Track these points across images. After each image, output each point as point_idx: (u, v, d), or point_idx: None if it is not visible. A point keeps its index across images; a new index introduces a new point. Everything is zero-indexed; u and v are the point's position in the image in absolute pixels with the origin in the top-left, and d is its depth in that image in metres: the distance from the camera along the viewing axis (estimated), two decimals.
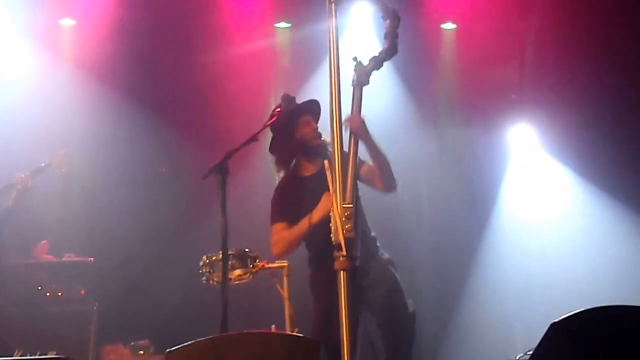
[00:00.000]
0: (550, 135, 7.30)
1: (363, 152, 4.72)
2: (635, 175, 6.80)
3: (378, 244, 4.89)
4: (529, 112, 7.40)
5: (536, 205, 7.23)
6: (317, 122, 4.96)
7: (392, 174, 4.84)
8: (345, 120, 4.53)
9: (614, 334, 3.01)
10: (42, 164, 5.97)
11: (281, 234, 4.79)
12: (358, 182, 4.73)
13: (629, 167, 6.81)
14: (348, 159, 4.52)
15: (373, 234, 4.89)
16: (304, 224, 4.70)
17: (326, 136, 4.79)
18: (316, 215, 4.62)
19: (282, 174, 5.02)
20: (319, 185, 4.61)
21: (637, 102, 6.87)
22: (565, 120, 7.10)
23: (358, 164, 4.70)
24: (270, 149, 4.99)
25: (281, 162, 5.00)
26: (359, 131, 4.55)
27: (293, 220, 4.77)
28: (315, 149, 4.86)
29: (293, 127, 4.88)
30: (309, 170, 4.95)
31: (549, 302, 6.39)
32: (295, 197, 4.85)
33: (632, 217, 6.79)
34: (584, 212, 7.05)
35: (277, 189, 4.99)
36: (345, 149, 4.51)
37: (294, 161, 5.01)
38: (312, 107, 4.97)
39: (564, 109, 7.10)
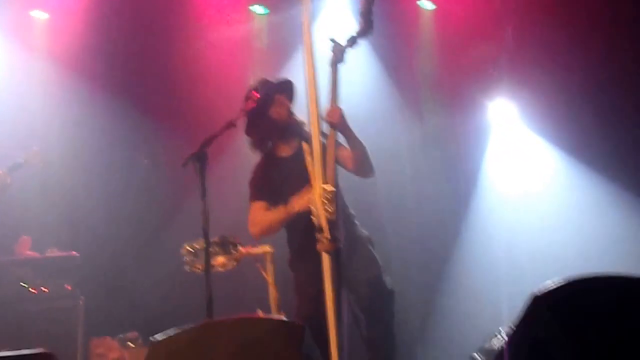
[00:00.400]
0: (530, 110, 7.28)
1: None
2: (617, 148, 6.79)
3: (356, 222, 4.90)
4: (508, 87, 7.38)
5: (519, 181, 7.23)
6: (291, 101, 4.97)
7: (370, 161, 4.88)
8: (325, 115, 4.55)
9: (596, 304, 3.00)
10: (19, 160, 5.92)
11: (260, 215, 4.80)
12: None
13: (610, 140, 6.80)
14: (327, 144, 4.54)
15: (351, 211, 4.90)
16: (281, 211, 4.71)
17: (300, 116, 4.80)
18: (295, 206, 4.63)
19: (259, 156, 5.03)
20: (297, 166, 4.64)
21: (619, 75, 6.84)
22: (545, 94, 7.08)
23: (337, 148, 4.72)
24: (245, 131, 4.98)
25: (257, 144, 5.00)
26: (338, 124, 4.58)
27: (271, 200, 4.79)
28: (289, 129, 4.87)
29: (267, 108, 4.88)
30: (285, 151, 4.96)
31: (534, 275, 6.41)
32: (273, 178, 4.87)
33: (615, 189, 6.79)
34: (566, 185, 7.05)
35: (254, 169, 5.00)
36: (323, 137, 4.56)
37: (270, 143, 5.01)
38: (286, 87, 4.98)
39: (543, 83, 7.07)
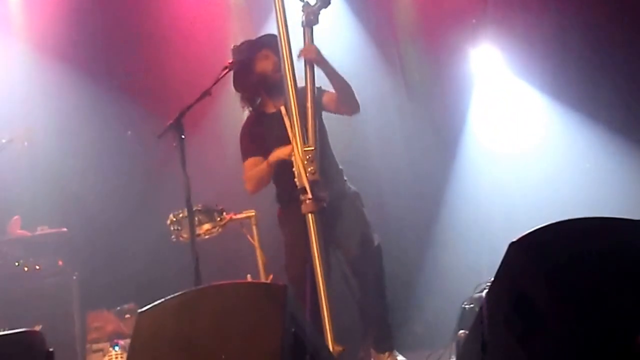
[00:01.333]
0: (515, 55, 7.24)
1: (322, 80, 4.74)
2: (605, 90, 6.74)
3: (345, 178, 4.92)
4: (493, 33, 7.32)
5: (505, 129, 7.21)
6: (279, 57, 4.94)
7: (354, 95, 4.87)
8: (299, 53, 4.55)
9: (572, 246, 3.02)
10: (3, 141, 5.91)
11: (253, 169, 4.82)
12: (323, 112, 4.77)
13: (598, 83, 6.75)
14: (306, 97, 4.54)
15: (340, 167, 4.92)
16: (263, 166, 4.74)
17: None
18: (272, 159, 4.67)
19: (247, 112, 5.03)
20: (284, 122, 4.63)
21: (608, 15, 6.78)
22: (530, 39, 7.04)
23: (319, 94, 4.73)
24: (234, 85, 4.98)
25: (245, 99, 5.03)
26: (314, 58, 4.59)
27: (261, 155, 4.82)
28: (276, 82, 4.82)
29: (252, 62, 4.88)
30: (272, 107, 4.95)
31: (525, 225, 6.38)
32: (261, 133, 4.89)
33: (604, 132, 6.76)
34: (553, 130, 7.02)
35: (243, 126, 5.03)
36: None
37: (258, 99, 5.01)
38: (270, 41, 4.92)
39: (528, 27, 7.03)
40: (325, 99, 4.81)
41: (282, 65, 4.50)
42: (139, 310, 3.36)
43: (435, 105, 7.25)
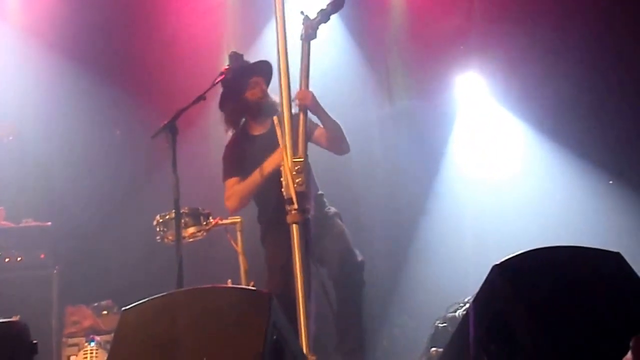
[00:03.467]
0: (500, 84, 7.29)
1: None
2: (587, 124, 6.80)
3: (325, 200, 4.94)
4: (478, 61, 7.37)
5: (486, 155, 7.24)
6: (267, 82, 4.99)
7: (344, 138, 4.93)
8: (295, 97, 4.52)
9: (553, 273, 3.06)
10: None
11: (233, 188, 4.81)
12: (310, 143, 4.76)
13: (579, 116, 6.81)
14: (298, 121, 4.53)
15: (320, 192, 4.93)
16: (255, 176, 4.74)
17: (275, 96, 4.78)
18: (267, 166, 4.69)
19: (231, 132, 5.02)
20: (269, 144, 4.64)
21: (592, 49, 6.84)
22: (514, 68, 7.09)
23: (311, 126, 4.74)
24: (219, 105, 4.98)
25: (230, 121, 5.02)
26: (310, 106, 4.58)
27: (243, 175, 4.81)
28: (263, 109, 4.88)
29: (242, 87, 4.88)
30: (258, 129, 4.98)
31: (499, 248, 6.40)
32: (245, 154, 4.89)
33: (583, 165, 6.80)
34: (532, 160, 7.08)
35: (227, 146, 5.01)
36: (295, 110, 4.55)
37: (243, 120, 5.01)
38: (262, 68, 4.99)
39: (513, 57, 7.08)
40: (317, 133, 4.85)
41: (279, 75, 4.47)
42: (124, 308, 3.33)
43: (418, 127, 7.27)
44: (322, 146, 4.91)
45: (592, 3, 6.83)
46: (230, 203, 4.86)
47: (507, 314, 2.94)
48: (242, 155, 4.90)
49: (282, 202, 4.35)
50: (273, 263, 4.78)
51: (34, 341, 2.80)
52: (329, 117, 4.78)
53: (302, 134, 4.45)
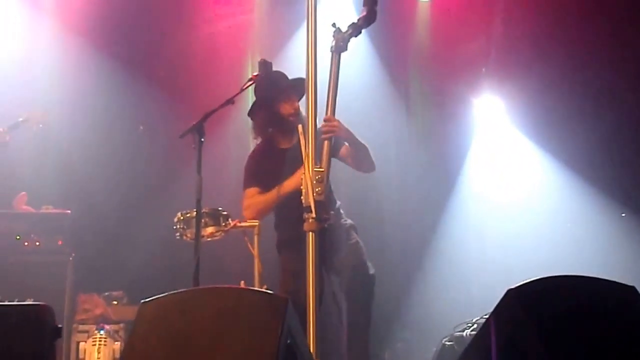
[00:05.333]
0: (518, 108, 7.31)
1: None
2: (600, 152, 6.82)
3: (341, 211, 4.95)
4: (497, 84, 7.40)
5: (500, 179, 7.27)
6: (300, 99, 4.95)
7: (371, 158, 4.95)
8: (322, 126, 4.51)
9: (567, 302, 3.06)
10: (20, 119, 5.84)
11: (253, 199, 4.84)
12: (335, 159, 4.78)
13: (593, 144, 6.83)
14: (322, 147, 4.52)
15: (338, 203, 4.94)
16: (274, 192, 4.75)
17: (303, 110, 4.79)
18: (288, 185, 4.67)
19: (258, 141, 5.04)
20: (293, 159, 4.63)
21: (610, 77, 6.85)
22: (534, 93, 7.11)
23: (337, 144, 4.74)
24: (249, 113, 5.00)
25: (258, 130, 5.01)
26: (339, 134, 4.57)
27: (264, 186, 4.81)
28: (291, 125, 4.85)
29: (275, 100, 4.89)
30: (284, 143, 4.98)
31: (506, 270, 6.45)
32: (269, 166, 4.89)
33: (596, 193, 6.81)
34: (545, 185, 7.10)
35: (251, 155, 5.02)
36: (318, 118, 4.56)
37: (270, 130, 5.03)
38: (298, 87, 4.91)
39: (532, 82, 7.11)
40: (343, 151, 4.85)
41: (306, 86, 4.47)
42: (142, 300, 3.33)
43: (435, 146, 7.30)
44: (348, 164, 4.94)
45: (612, 31, 6.84)
46: (248, 213, 4.87)
47: (520, 338, 2.94)
48: (265, 167, 4.91)
49: (301, 213, 4.37)
50: (287, 269, 4.80)
51: (59, 325, 2.83)
52: (357, 139, 4.80)
53: (326, 157, 4.41)
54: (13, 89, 6.38)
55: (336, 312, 4.81)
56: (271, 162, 4.90)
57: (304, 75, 4.38)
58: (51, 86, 6.65)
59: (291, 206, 4.57)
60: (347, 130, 4.72)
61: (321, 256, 4.34)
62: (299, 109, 4.90)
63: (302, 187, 4.39)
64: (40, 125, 5.96)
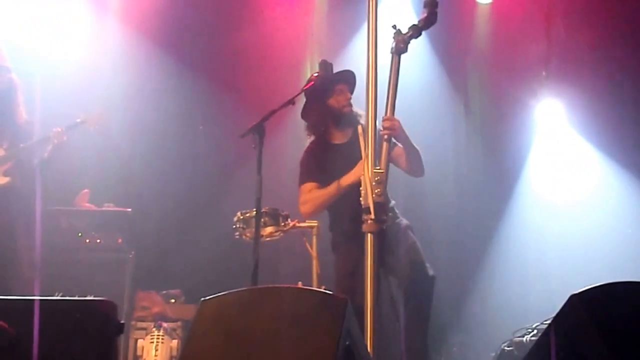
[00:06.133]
0: (578, 112, 7.20)
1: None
2: None
3: (397, 210, 4.92)
4: (558, 88, 7.29)
5: (559, 183, 7.17)
6: (351, 92, 4.98)
7: (421, 162, 4.94)
8: (382, 124, 4.51)
9: (632, 308, 2.99)
10: (78, 120, 5.90)
11: (311, 194, 4.84)
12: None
13: None
14: (381, 136, 4.52)
15: (392, 202, 4.92)
16: (333, 187, 4.74)
17: (358, 108, 4.79)
18: (347, 179, 4.67)
19: (312, 139, 5.04)
20: (349, 153, 4.64)
21: None
22: (594, 97, 7.00)
23: (391, 145, 4.72)
24: (302, 114, 5.02)
25: (312, 127, 5.04)
26: (397, 135, 4.57)
27: (320, 181, 4.81)
28: (345, 117, 4.89)
29: (326, 94, 4.91)
30: (338, 138, 4.98)
31: (563, 276, 6.37)
32: (324, 161, 4.89)
33: None
34: (607, 192, 6.97)
35: (306, 151, 5.03)
36: (378, 119, 4.54)
37: (323, 127, 5.03)
38: (347, 77, 4.99)
39: (593, 86, 7.00)
40: (395, 153, 4.83)
41: (366, 88, 4.46)
42: (202, 299, 3.35)
43: (495, 149, 7.22)
44: (399, 167, 4.92)
45: None
46: (305, 209, 4.86)
47: (583, 344, 2.88)
48: (320, 162, 4.91)
49: (357, 213, 4.34)
50: (342, 270, 4.77)
51: (122, 321, 2.85)
52: (411, 143, 4.80)
53: (385, 158, 4.41)
54: (76, 90, 6.47)
55: (393, 313, 4.78)
56: (326, 158, 4.90)
57: (364, 77, 4.39)
58: (113, 86, 6.74)
59: (345, 205, 4.56)
60: (404, 132, 4.72)
61: (379, 257, 4.32)
62: (350, 99, 4.89)
63: (361, 188, 4.39)
64: (97, 127, 6.00)
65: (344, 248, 4.78)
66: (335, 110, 4.93)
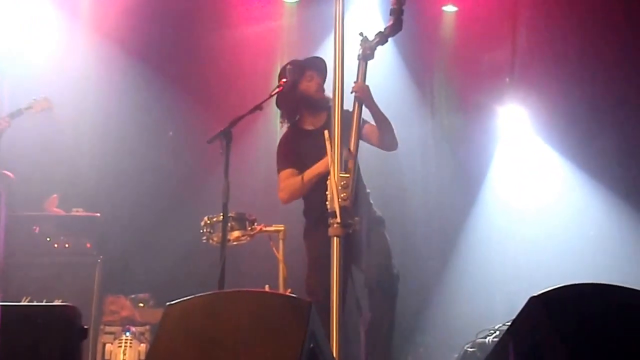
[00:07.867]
0: (542, 118, 7.25)
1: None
2: (629, 163, 6.74)
3: (371, 201, 4.92)
4: (521, 94, 7.35)
5: (523, 187, 7.21)
6: (322, 78, 5.00)
7: (394, 134, 4.95)
8: (352, 88, 4.56)
9: (590, 310, 3.01)
10: (23, 107, 5.82)
11: (287, 181, 4.88)
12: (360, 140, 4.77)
13: (621, 155, 6.76)
14: (351, 125, 4.53)
15: (368, 190, 4.92)
16: (306, 175, 4.78)
17: (329, 92, 4.79)
18: (317, 168, 4.73)
19: (285, 127, 5.05)
20: (321, 140, 4.61)
21: (634, 87, 6.78)
22: (557, 103, 7.06)
23: (361, 124, 4.74)
24: (276, 102, 5.03)
25: (286, 115, 5.07)
26: (364, 97, 4.61)
27: (297, 167, 4.85)
28: (317, 102, 4.95)
29: (297, 81, 4.92)
30: (311, 124, 5.02)
31: (529, 278, 6.41)
32: (299, 148, 4.94)
33: (622, 204, 6.75)
34: (569, 195, 7.03)
35: (281, 139, 5.09)
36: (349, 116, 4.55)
37: (297, 115, 5.04)
38: (317, 64, 5.05)
39: (556, 92, 7.05)
40: (366, 130, 4.85)
41: (333, 93, 4.48)
42: (168, 303, 3.33)
43: (459, 154, 7.26)
44: (371, 143, 4.94)
45: (636, 42, 6.77)
46: (282, 195, 4.92)
47: (544, 346, 2.90)
48: (294, 149, 4.95)
49: (325, 202, 4.36)
50: (313, 255, 4.79)
51: (85, 327, 2.82)
52: (381, 112, 4.82)
53: (356, 127, 4.48)
54: (42, 90, 6.36)
55: (358, 312, 4.78)
56: (300, 144, 4.94)
57: (331, 84, 4.41)
58: (81, 91, 6.67)
59: (318, 193, 4.55)
60: (372, 99, 4.75)
61: (345, 261, 4.32)
62: (321, 85, 4.94)
63: (327, 192, 4.39)
64: (44, 112, 5.88)
65: (314, 235, 4.76)
66: (307, 96, 4.97)
